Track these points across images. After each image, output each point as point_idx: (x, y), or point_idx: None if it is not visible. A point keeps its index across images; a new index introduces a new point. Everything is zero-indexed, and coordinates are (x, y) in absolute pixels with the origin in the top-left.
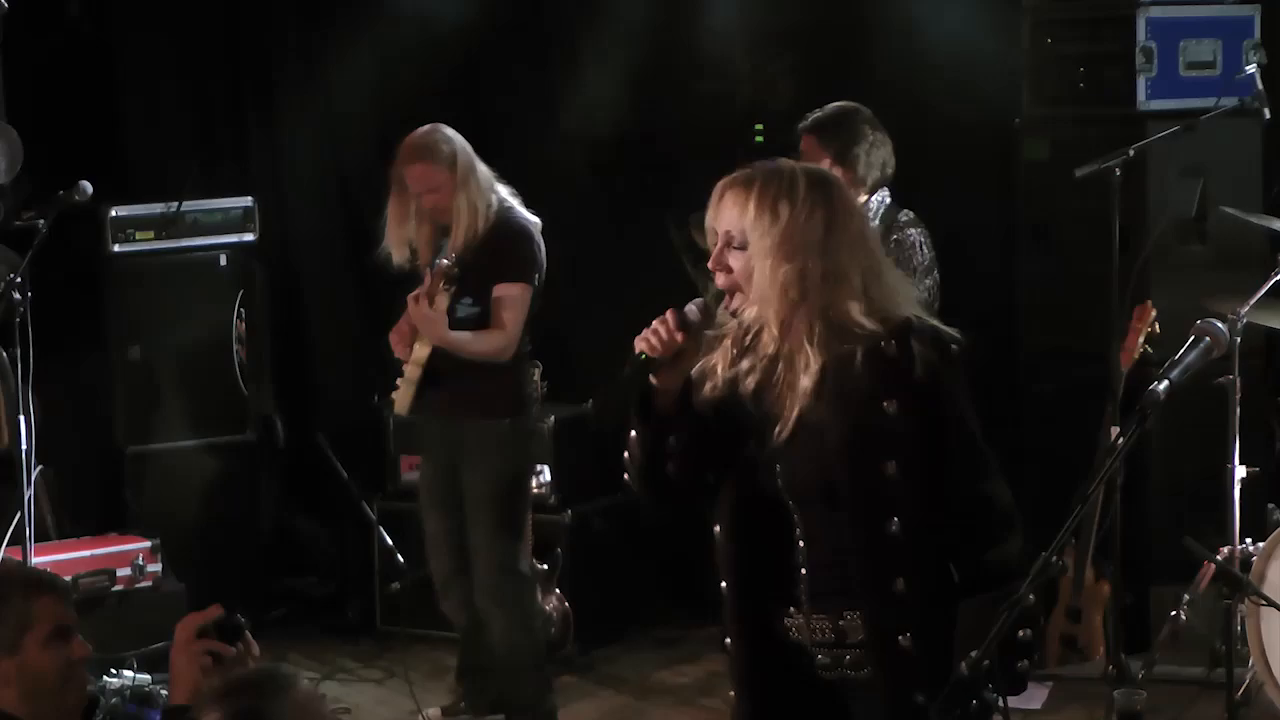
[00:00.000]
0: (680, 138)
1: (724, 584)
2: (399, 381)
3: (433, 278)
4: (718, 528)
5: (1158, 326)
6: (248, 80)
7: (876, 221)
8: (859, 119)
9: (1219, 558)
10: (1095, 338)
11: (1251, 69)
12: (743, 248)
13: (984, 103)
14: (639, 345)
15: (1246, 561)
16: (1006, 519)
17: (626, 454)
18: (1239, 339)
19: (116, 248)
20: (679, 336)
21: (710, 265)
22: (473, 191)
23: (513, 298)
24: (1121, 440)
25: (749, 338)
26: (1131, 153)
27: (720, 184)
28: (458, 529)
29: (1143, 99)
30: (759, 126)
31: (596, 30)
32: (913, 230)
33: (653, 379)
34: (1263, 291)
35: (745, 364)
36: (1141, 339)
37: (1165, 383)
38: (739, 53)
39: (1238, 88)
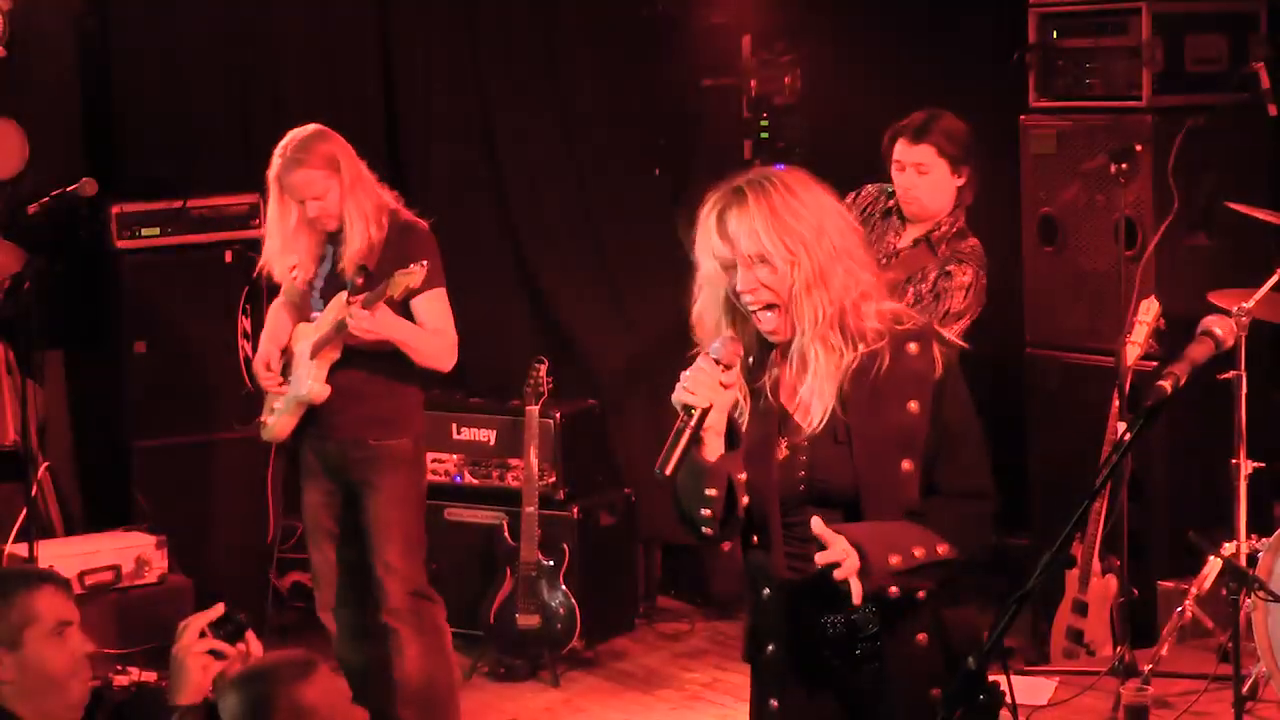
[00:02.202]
0: (686, 133)
1: (765, 590)
2: (273, 406)
3: (371, 294)
4: (756, 537)
5: (1163, 321)
6: (252, 75)
7: (944, 243)
8: (963, 124)
9: (1225, 553)
10: (1100, 332)
11: (1257, 64)
12: (765, 262)
13: (989, 97)
14: (683, 399)
15: (1253, 557)
16: (991, 515)
17: (705, 510)
18: (1245, 334)
19: (122, 244)
20: (723, 380)
21: (741, 290)
22: (362, 195)
23: (438, 303)
24: (1127, 435)
25: (774, 349)
26: (1138, 147)
27: (712, 209)
28: (349, 557)
29: (1149, 94)
30: (765, 121)
31: (599, 25)
32: (964, 270)
33: (703, 431)
34: (1268, 287)
35: (775, 371)
36: (1147, 334)
37: (1171, 378)
38: (745, 47)
39: (1244, 83)
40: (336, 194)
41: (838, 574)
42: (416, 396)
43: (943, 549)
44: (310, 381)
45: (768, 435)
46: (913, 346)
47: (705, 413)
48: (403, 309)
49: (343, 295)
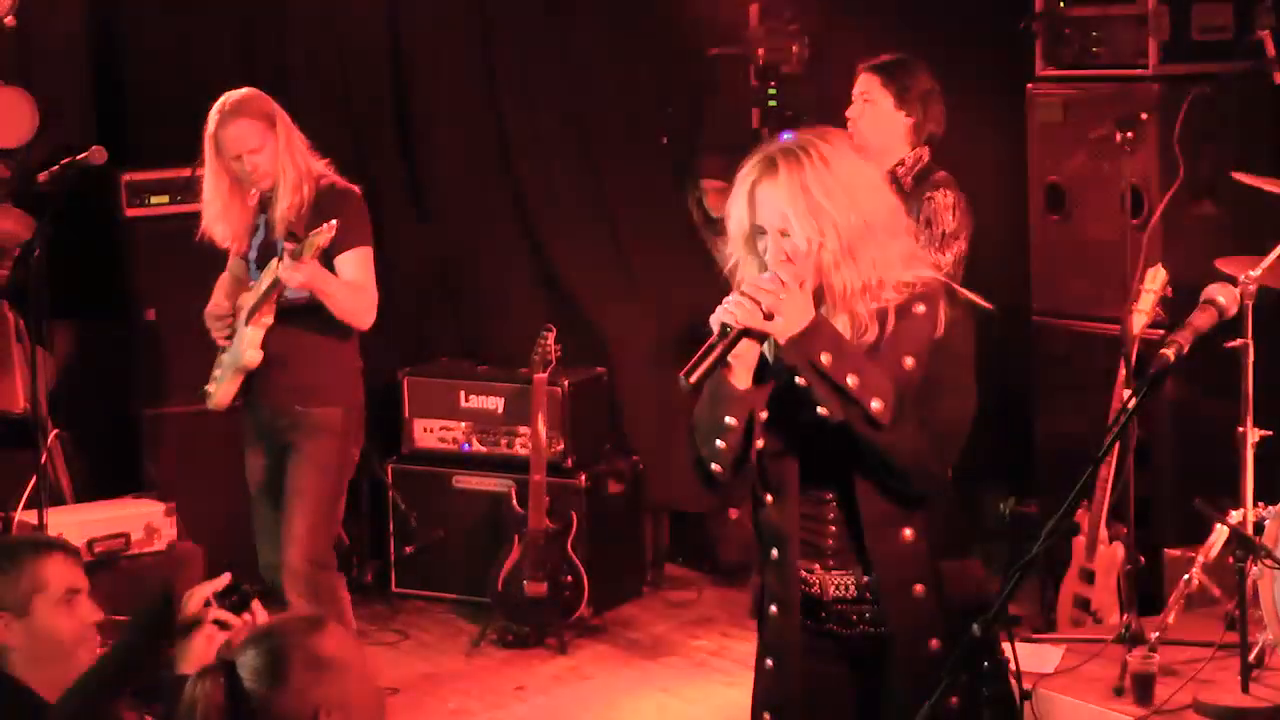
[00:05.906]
0: (694, 102)
1: (774, 550)
2: (216, 374)
3: (305, 245)
4: (769, 496)
5: (1170, 290)
6: (261, 44)
7: (910, 178)
8: (922, 67)
9: (1232, 521)
10: (1107, 300)
11: (1263, 32)
12: (791, 236)
13: (996, 65)
14: (722, 317)
15: (1259, 524)
16: (937, 456)
17: (720, 442)
18: (1252, 302)
19: (131, 212)
20: (768, 304)
21: (772, 264)
22: (296, 153)
23: (361, 262)
24: (1133, 403)
25: None
26: (1144, 116)
27: (744, 180)
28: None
29: (1155, 62)
30: (772, 90)
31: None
32: (944, 193)
33: (731, 357)
34: (1275, 254)
35: None
36: (1153, 302)
37: (1174, 346)
38: (753, 16)
39: (1250, 51)
40: (271, 149)
41: (767, 283)
42: (349, 366)
43: (878, 406)
44: (246, 347)
45: (793, 400)
46: (920, 307)
47: (741, 334)
48: (327, 267)
49: (274, 262)
